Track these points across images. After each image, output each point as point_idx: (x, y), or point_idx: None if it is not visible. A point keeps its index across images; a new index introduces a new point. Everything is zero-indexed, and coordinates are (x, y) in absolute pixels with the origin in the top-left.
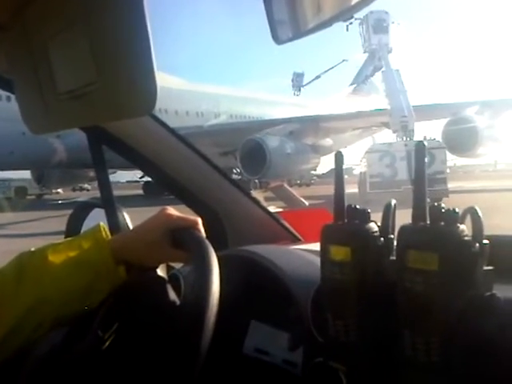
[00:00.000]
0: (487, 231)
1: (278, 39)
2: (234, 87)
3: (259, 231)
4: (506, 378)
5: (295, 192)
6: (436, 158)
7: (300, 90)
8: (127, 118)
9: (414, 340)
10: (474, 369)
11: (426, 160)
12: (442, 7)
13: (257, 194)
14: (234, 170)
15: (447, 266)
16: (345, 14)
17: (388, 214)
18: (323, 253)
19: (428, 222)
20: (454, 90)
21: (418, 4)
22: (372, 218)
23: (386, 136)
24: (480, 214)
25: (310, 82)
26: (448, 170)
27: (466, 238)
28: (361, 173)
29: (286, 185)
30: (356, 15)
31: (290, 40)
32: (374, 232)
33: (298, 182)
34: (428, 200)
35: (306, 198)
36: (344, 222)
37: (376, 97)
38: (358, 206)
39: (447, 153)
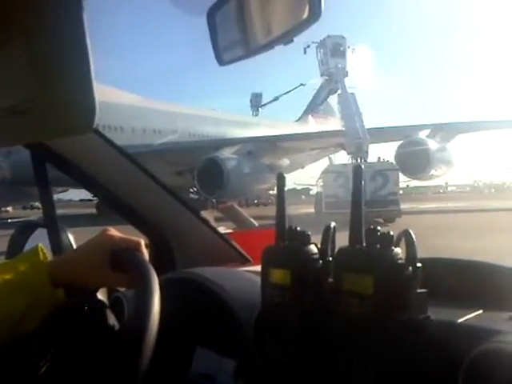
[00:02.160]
0: (435, 251)
1: (221, 60)
2: (192, 105)
3: (208, 252)
4: None
5: (247, 212)
6: (389, 180)
7: (258, 110)
8: (67, 136)
9: (351, 363)
10: None
11: (381, 181)
12: (396, 32)
13: (206, 215)
14: (191, 190)
15: (381, 288)
16: (286, 37)
17: (327, 236)
18: (264, 275)
19: (364, 245)
20: (407, 114)
21: (373, 28)
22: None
23: (344, 157)
24: (414, 237)
25: (268, 103)
26: (401, 192)
27: (400, 261)
28: (317, 193)
29: (235, 205)
30: (314, 39)
31: (234, 61)
32: (313, 254)
33: (256, 201)
34: (381, 220)
35: (262, 217)
36: (284, 244)
37: (333, 119)
38: (298, 228)
39: (400, 174)
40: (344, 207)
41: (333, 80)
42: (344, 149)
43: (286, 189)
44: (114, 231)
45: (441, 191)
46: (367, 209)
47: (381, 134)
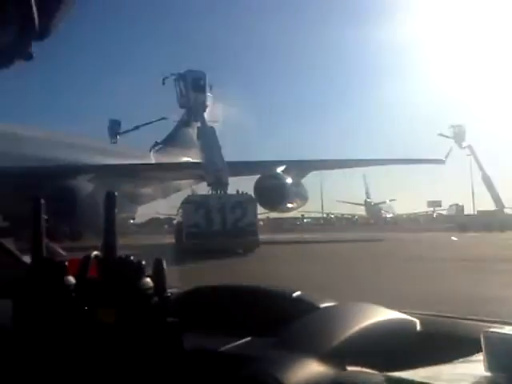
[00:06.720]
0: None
1: None
2: (47, 129)
3: None
4: None
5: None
6: (248, 211)
7: (117, 137)
8: None
9: None
10: None
11: (240, 213)
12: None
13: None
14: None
15: (124, 319)
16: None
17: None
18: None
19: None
20: (266, 151)
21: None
22: (186, 268)
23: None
24: (165, 266)
25: (127, 132)
26: (261, 223)
27: (148, 292)
28: (178, 222)
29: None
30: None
31: None
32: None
33: None
34: (241, 251)
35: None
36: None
37: (195, 150)
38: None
39: (259, 207)
40: (205, 237)
41: (192, 113)
42: (205, 180)
43: (135, 217)
44: None
45: (298, 223)
46: (227, 239)
47: (240, 168)
